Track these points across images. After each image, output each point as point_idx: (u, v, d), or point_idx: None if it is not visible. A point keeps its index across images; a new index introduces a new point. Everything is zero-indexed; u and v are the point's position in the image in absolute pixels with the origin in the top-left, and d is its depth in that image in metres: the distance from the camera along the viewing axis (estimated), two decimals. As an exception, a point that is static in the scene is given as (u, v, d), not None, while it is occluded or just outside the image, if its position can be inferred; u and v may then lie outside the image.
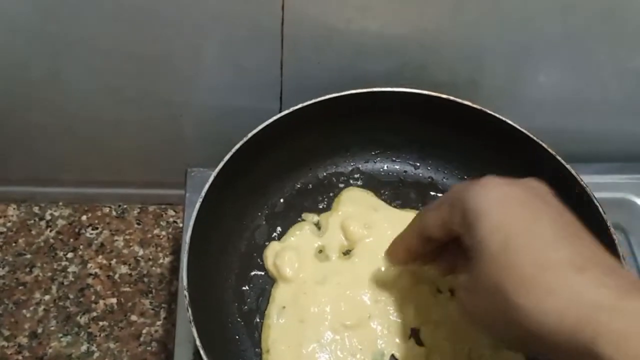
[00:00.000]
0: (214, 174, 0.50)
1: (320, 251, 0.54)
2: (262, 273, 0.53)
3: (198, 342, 0.42)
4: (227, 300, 0.51)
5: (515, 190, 0.38)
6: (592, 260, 0.35)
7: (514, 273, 0.34)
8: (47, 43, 0.56)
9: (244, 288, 0.52)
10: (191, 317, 0.43)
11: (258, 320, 0.51)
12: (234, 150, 0.51)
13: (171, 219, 0.77)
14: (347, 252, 0.54)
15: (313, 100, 0.54)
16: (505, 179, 0.39)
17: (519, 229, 0.36)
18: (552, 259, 0.34)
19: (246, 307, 0.52)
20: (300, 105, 0.54)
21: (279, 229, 0.56)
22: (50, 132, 0.67)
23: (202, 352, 0.41)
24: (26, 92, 0.61)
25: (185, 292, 0.44)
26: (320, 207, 0.57)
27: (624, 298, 0.32)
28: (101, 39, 0.55)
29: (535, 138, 0.55)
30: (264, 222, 0.56)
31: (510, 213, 0.36)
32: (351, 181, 0.59)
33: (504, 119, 0.55)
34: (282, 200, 0.57)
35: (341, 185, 0.58)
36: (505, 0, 0.54)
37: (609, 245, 0.50)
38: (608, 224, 0.51)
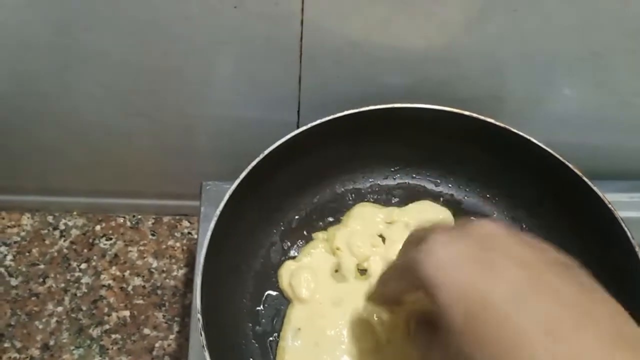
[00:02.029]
0: (230, 191, 0.49)
1: (336, 270, 0.53)
2: (277, 293, 0.52)
3: (211, 368, 0.41)
4: (241, 320, 0.50)
5: (464, 248, 0.34)
6: (567, 321, 0.30)
7: (483, 347, 0.31)
8: (60, 57, 0.55)
9: (258, 308, 0.51)
10: (204, 342, 0.42)
11: (272, 341, 0.50)
12: (250, 167, 0.50)
13: (186, 230, 0.77)
14: (363, 272, 0.53)
15: (331, 117, 0.53)
16: (451, 233, 0.35)
17: (477, 295, 0.32)
18: (520, 324, 0.30)
19: (260, 328, 0.50)
20: (318, 122, 0.53)
21: (294, 247, 0.54)
22: (64, 143, 0.67)
23: (215, 378, 0.40)
24: (40, 104, 0.61)
25: (199, 316, 0.43)
26: (337, 225, 0.56)
27: None
28: (114, 53, 0.55)
29: (559, 157, 0.53)
30: (279, 240, 0.55)
31: (464, 278, 0.33)
32: (369, 197, 0.58)
33: (527, 137, 0.54)
34: (297, 217, 0.56)
35: (357, 201, 0.57)
36: (528, 16, 0.52)
37: (635, 267, 0.48)
38: (633, 243, 0.49)
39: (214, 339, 0.44)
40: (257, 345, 0.50)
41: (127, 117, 0.62)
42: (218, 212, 0.47)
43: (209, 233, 0.47)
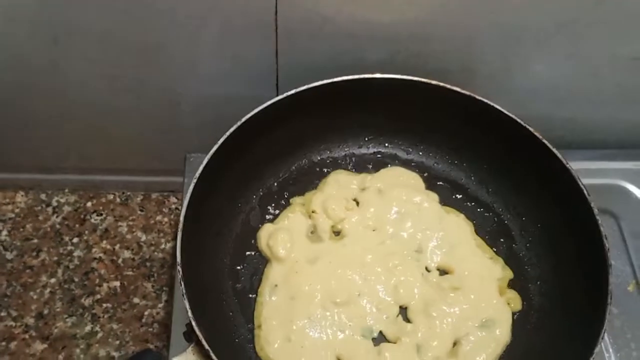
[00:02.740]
0: (209, 155, 0.52)
1: (312, 232, 0.56)
2: (256, 253, 0.55)
3: (190, 314, 0.44)
4: (222, 279, 0.53)
5: None
6: None
7: None
8: (47, 32, 0.58)
9: (238, 267, 0.54)
10: (184, 291, 0.45)
11: (251, 297, 0.53)
12: (228, 133, 0.53)
13: (173, 206, 0.80)
14: (337, 233, 0.56)
15: (307, 86, 0.56)
16: None
17: None
18: None
19: (240, 285, 0.53)
20: (294, 91, 0.56)
21: (272, 211, 0.57)
22: (53, 121, 0.69)
23: (193, 322, 0.43)
24: (28, 81, 0.64)
25: (179, 268, 0.46)
26: (313, 190, 0.59)
27: None
28: (99, 28, 0.57)
29: (523, 122, 0.56)
30: (258, 205, 0.58)
31: None
32: (344, 165, 0.61)
33: (492, 104, 0.56)
34: (276, 184, 0.59)
35: (332, 169, 0.60)
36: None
37: (593, 227, 0.51)
38: (592, 205, 0.52)
39: (195, 294, 0.46)
40: (236, 300, 0.53)
41: (113, 93, 0.64)
42: (198, 173, 0.50)
43: (189, 193, 0.49)
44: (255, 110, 0.54)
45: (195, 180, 0.50)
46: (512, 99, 0.61)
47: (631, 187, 0.67)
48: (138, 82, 0.63)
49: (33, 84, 0.63)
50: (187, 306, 0.44)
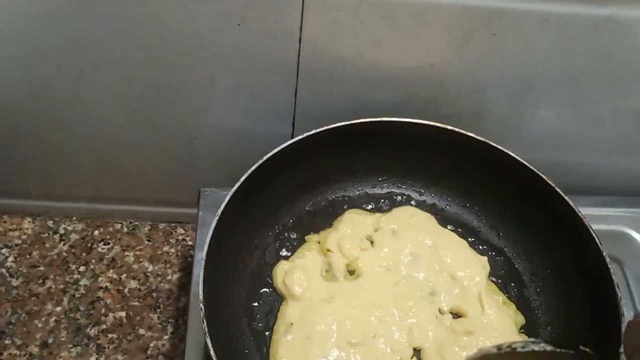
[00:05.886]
0: (230, 194, 0.52)
1: (327, 271, 0.56)
2: (271, 290, 0.56)
3: (212, 353, 0.44)
4: (238, 315, 0.54)
5: None
6: None
7: None
8: (73, 66, 0.59)
9: (254, 304, 0.55)
10: (206, 329, 0.45)
11: (267, 335, 0.53)
12: (249, 172, 0.54)
13: (180, 237, 0.80)
14: (352, 272, 0.57)
15: (324, 128, 0.57)
16: None
17: None
18: None
19: (255, 322, 0.54)
20: (312, 132, 0.57)
21: (288, 248, 0.58)
22: (67, 150, 0.70)
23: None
24: (48, 111, 0.64)
25: (201, 305, 0.46)
26: (328, 229, 0.60)
27: None
28: (123, 65, 0.59)
29: (535, 169, 0.57)
30: (273, 242, 0.58)
31: None
32: (358, 204, 0.62)
33: (506, 150, 0.58)
34: (292, 221, 0.60)
35: (347, 208, 0.61)
36: (507, 41, 0.57)
37: (605, 275, 0.53)
38: (604, 253, 0.53)
39: (212, 332, 0.47)
40: (252, 338, 0.53)
41: (133, 126, 0.65)
42: (219, 211, 0.51)
43: (211, 231, 0.50)
44: (274, 151, 0.56)
45: (217, 218, 0.51)
46: (520, 144, 0.63)
47: (634, 234, 0.69)
48: (158, 116, 0.64)
49: (54, 116, 0.64)
50: (210, 344, 0.44)
